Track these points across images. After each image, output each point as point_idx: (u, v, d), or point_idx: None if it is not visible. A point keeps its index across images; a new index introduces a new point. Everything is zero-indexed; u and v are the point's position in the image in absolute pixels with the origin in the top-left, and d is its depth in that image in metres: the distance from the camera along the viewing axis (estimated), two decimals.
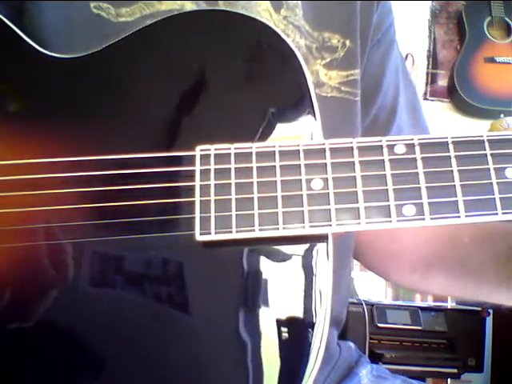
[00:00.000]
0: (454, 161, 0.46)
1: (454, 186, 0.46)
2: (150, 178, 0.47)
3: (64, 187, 0.47)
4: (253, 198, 0.46)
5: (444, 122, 2.43)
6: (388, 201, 0.46)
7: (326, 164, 0.47)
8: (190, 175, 0.47)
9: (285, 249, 0.47)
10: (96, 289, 0.46)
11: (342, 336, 0.79)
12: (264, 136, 0.50)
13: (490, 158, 0.46)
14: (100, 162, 0.48)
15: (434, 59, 2.56)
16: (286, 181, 0.46)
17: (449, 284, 0.71)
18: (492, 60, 2.44)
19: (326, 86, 0.68)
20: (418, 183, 0.46)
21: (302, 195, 0.46)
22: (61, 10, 0.59)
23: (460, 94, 2.41)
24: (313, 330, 0.44)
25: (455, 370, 1.90)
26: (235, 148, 0.47)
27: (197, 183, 0.47)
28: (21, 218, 0.47)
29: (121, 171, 0.47)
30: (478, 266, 0.66)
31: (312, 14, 0.69)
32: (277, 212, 0.46)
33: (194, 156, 0.47)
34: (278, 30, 0.52)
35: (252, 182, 0.46)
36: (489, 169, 0.46)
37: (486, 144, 0.46)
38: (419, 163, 0.46)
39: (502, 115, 2.27)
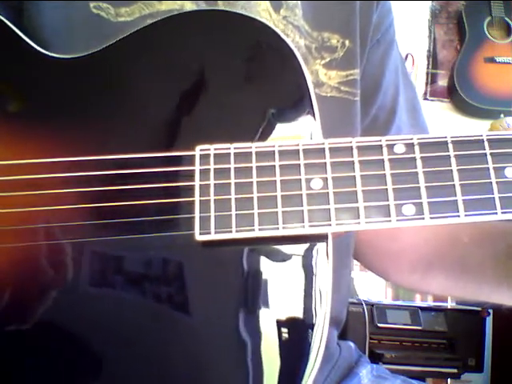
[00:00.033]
0: (453, 160, 0.46)
1: (454, 185, 0.46)
2: (149, 177, 0.47)
3: (64, 187, 0.47)
4: (252, 197, 0.46)
5: (444, 121, 2.43)
6: (387, 200, 0.46)
7: (325, 164, 0.47)
8: (190, 175, 0.47)
9: (285, 248, 0.47)
10: (96, 289, 0.46)
11: (342, 336, 0.78)
12: (263, 136, 0.50)
13: (489, 158, 0.46)
14: (100, 161, 0.48)
15: (434, 59, 2.56)
16: (286, 180, 0.46)
17: (449, 284, 0.71)
18: (492, 60, 2.44)
19: (325, 85, 0.68)
20: (418, 183, 0.46)
21: (301, 195, 0.46)
22: (60, 10, 0.59)
23: (460, 94, 2.41)
24: (313, 329, 0.45)
25: (455, 370, 1.90)
26: (235, 148, 0.47)
27: (196, 183, 0.47)
28: (21, 218, 0.47)
29: (121, 171, 0.48)
30: (477, 266, 0.66)
31: (311, 14, 0.69)
32: (276, 212, 0.46)
33: (194, 156, 0.47)
34: (278, 30, 0.52)
35: (252, 182, 0.46)
36: (488, 168, 0.46)
37: (486, 143, 0.46)
38: (419, 163, 0.46)
39: (501, 115, 2.27)
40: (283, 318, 0.45)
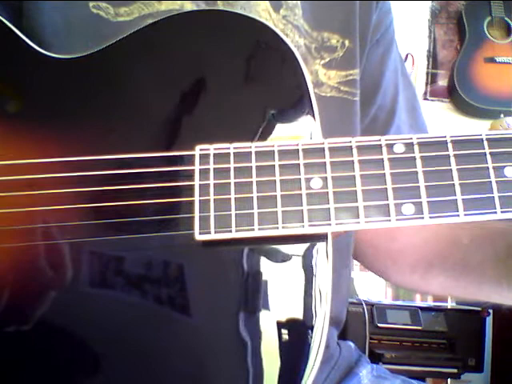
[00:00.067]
0: (452, 160, 0.46)
1: (453, 184, 0.46)
2: (149, 177, 0.47)
3: (63, 187, 0.47)
4: (252, 197, 0.46)
5: (444, 121, 2.43)
6: (387, 200, 0.46)
7: (325, 163, 0.47)
8: (190, 175, 0.47)
9: (284, 248, 0.47)
10: (95, 289, 0.46)
11: (342, 336, 0.79)
12: (263, 136, 0.50)
13: (488, 157, 0.46)
14: (100, 161, 0.48)
15: (434, 59, 2.56)
16: (286, 180, 0.46)
17: (449, 284, 0.71)
18: (492, 60, 2.44)
19: (325, 85, 0.68)
20: (417, 182, 0.46)
21: (301, 194, 0.46)
22: (59, 9, 0.59)
23: (460, 94, 2.41)
24: (312, 329, 0.44)
25: (455, 370, 1.89)
26: (234, 147, 0.47)
27: (196, 183, 0.47)
28: (20, 218, 0.47)
29: (120, 171, 0.48)
30: (478, 266, 0.66)
31: (311, 13, 0.69)
32: (276, 211, 0.46)
33: (194, 155, 0.47)
34: (278, 30, 0.52)
35: (251, 182, 0.46)
36: (488, 167, 0.46)
37: (485, 143, 0.46)
38: (418, 162, 0.46)
39: (502, 115, 2.27)
40: (283, 317, 0.45)
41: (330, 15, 0.70)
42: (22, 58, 0.53)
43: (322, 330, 0.45)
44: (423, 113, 0.83)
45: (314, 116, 0.50)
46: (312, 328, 0.45)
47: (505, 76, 2.41)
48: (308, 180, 0.46)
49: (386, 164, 0.47)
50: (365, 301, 1.92)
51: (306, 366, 0.43)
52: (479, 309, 1.96)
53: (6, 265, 0.47)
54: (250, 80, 0.52)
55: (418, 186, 0.46)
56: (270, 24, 0.53)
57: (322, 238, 0.47)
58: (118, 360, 0.45)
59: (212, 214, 0.46)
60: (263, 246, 0.46)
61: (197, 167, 0.47)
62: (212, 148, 0.47)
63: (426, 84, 2.53)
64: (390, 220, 0.45)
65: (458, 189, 0.45)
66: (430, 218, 0.45)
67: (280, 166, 0.47)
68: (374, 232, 0.75)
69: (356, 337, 1.78)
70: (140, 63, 0.53)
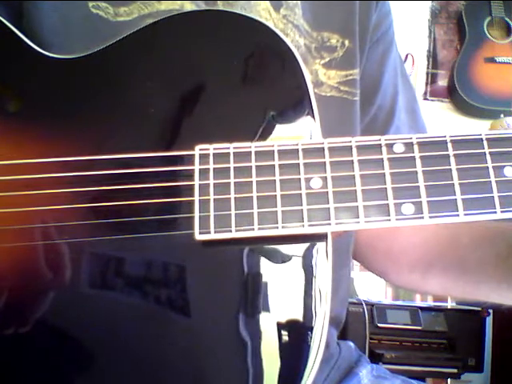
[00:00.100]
0: (452, 159, 0.46)
1: (453, 184, 0.46)
2: (149, 177, 0.47)
3: (63, 187, 0.47)
4: (252, 197, 0.46)
5: (444, 121, 2.43)
6: (387, 199, 0.46)
7: (324, 163, 0.47)
8: (189, 174, 0.47)
9: (284, 248, 0.47)
10: (94, 289, 0.46)
11: (342, 336, 0.79)
12: (263, 136, 0.50)
13: (488, 157, 0.46)
14: (99, 161, 0.48)
15: (434, 59, 2.56)
16: (285, 180, 0.46)
17: (448, 284, 0.71)
18: (492, 60, 2.44)
19: (325, 85, 0.68)
20: (417, 182, 0.46)
21: (301, 194, 0.46)
22: (59, 10, 0.59)
23: (460, 94, 2.41)
24: (312, 329, 0.44)
25: (455, 370, 1.89)
26: (234, 147, 0.47)
27: (196, 182, 0.47)
28: (19, 218, 0.47)
29: (120, 171, 0.48)
30: (477, 266, 0.66)
31: (311, 13, 0.69)
32: (276, 211, 0.46)
33: (193, 155, 0.47)
34: (277, 31, 0.52)
35: (251, 181, 0.46)
36: (487, 167, 0.46)
37: (485, 142, 0.46)
38: (418, 162, 0.46)
39: (502, 115, 2.27)
40: (283, 318, 0.45)
41: (330, 15, 0.71)
42: (22, 58, 0.53)
43: (321, 329, 0.45)
44: (422, 114, 0.83)
45: (313, 116, 0.50)
46: (312, 328, 0.45)
47: (505, 76, 2.41)
48: (308, 180, 0.46)
49: (386, 164, 0.47)
50: (365, 301, 1.92)
51: (305, 366, 0.43)
52: (479, 309, 1.96)
53: (4, 265, 0.47)
54: (250, 80, 0.52)
55: (418, 186, 0.46)
56: (270, 24, 0.53)
57: (322, 237, 0.47)
58: (117, 360, 0.45)
59: (212, 213, 0.46)
60: (263, 245, 0.46)
61: (197, 167, 0.47)
62: (212, 148, 0.47)
63: (426, 84, 2.53)
64: (389, 220, 0.45)
65: (457, 189, 0.45)
66: (430, 217, 0.45)
67: (280, 165, 0.47)
68: (372, 232, 0.75)
69: (356, 337, 1.78)
70: (140, 63, 0.53)
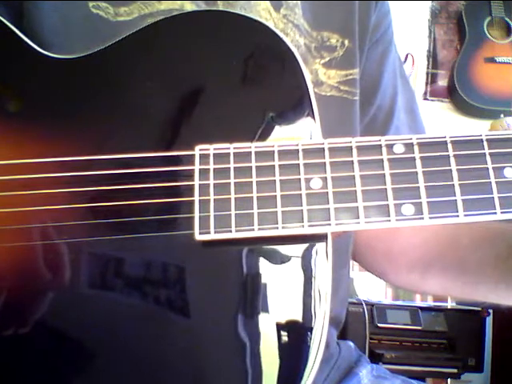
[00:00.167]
0: (452, 160, 0.46)
1: (453, 185, 0.46)
2: (149, 177, 0.47)
3: (61, 187, 0.47)
4: (252, 197, 0.46)
5: (444, 121, 2.43)
6: (387, 200, 0.46)
7: (324, 163, 0.47)
8: (190, 175, 0.47)
9: (284, 248, 0.47)
10: (94, 289, 0.46)
11: (342, 336, 0.79)
12: (263, 136, 0.50)
13: (488, 158, 0.46)
14: (99, 161, 0.48)
15: (434, 59, 2.56)
16: (285, 180, 0.46)
17: (447, 284, 0.71)
18: (492, 60, 2.44)
19: (325, 85, 0.68)
20: (417, 182, 0.46)
21: (301, 194, 0.46)
22: (59, 10, 0.59)
23: (460, 94, 2.41)
24: (312, 329, 0.44)
25: (455, 370, 1.89)
26: (234, 148, 0.47)
27: (196, 183, 0.47)
28: (17, 218, 0.47)
29: (120, 171, 0.48)
30: (476, 266, 0.66)
31: (311, 13, 0.69)
32: (276, 211, 0.46)
33: (194, 155, 0.47)
34: (277, 31, 0.52)
35: (251, 182, 0.46)
36: (487, 168, 0.46)
37: (485, 143, 0.46)
38: (418, 163, 0.46)
39: (502, 115, 2.27)
40: (283, 318, 0.45)
41: (330, 15, 0.71)
42: (23, 58, 0.53)
43: (321, 330, 0.45)
44: (422, 114, 0.83)
45: (314, 117, 0.50)
46: (312, 328, 0.45)
47: (505, 76, 2.41)
48: (308, 180, 0.46)
49: (386, 164, 0.47)
50: (365, 301, 1.92)
51: (305, 366, 0.43)
52: (479, 309, 1.95)
53: (2, 265, 0.47)
54: (250, 81, 0.52)
55: (418, 187, 0.46)
56: (270, 24, 0.53)
57: (322, 238, 0.47)
58: (117, 361, 0.45)
59: (212, 214, 0.46)
60: (263, 246, 0.46)
61: (197, 167, 0.47)
62: (212, 148, 0.47)
63: (426, 84, 2.53)
64: (389, 220, 0.45)
65: (457, 189, 0.45)
66: (430, 218, 0.45)
67: (280, 166, 0.47)
68: (372, 232, 0.75)
69: (356, 337, 1.78)
70: (140, 63, 0.53)
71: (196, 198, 0.46)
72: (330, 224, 0.45)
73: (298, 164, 0.47)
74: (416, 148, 0.47)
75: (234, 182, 0.46)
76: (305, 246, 0.47)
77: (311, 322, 0.45)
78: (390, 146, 0.47)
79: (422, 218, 0.45)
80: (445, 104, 2.51)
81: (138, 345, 0.45)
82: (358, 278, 2.09)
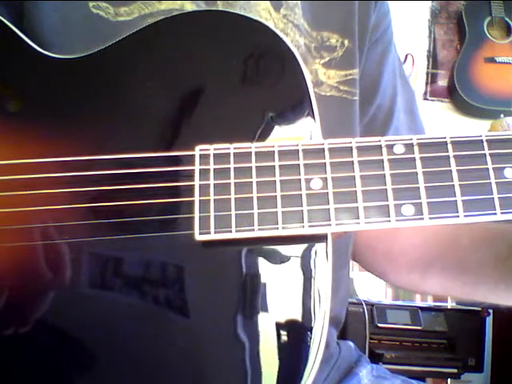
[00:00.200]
0: (452, 161, 0.46)
1: (453, 185, 0.46)
2: (149, 177, 0.47)
3: (61, 187, 0.47)
4: (252, 197, 0.46)
5: (444, 121, 2.43)
6: (387, 200, 0.46)
7: (325, 164, 0.47)
8: (190, 175, 0.47)
9: (284, 249, 0.47)
10: (95, 289, 0.46)
11: (342, 336, 0.79)
12: (263, 136, 0.50)
13: (488, 158, 0.46)
14: (99, 161, 0.48)
15: (434, 59, 2.56)
16: (286, 180, 0.46)
17: (447, 284, 0.71)
18: (492, 60, 2.44)
19: (324, 85, 0.68)
20: (417, 183, 0.46)
21: (301, 195, 0.46)
22: (59, 10, 0.59)
23: (460, 94, 2.41)
24: (312, 329, 0.44)
25: (455, 370, 1.89)
26: (234, 148, 0.47)
27: (196, 183, 0.47)
28: (18, 218, 0.47)
29: (120, 171, 0.48)
30: (476, 266, 0.66)
31: (311, 13, 0.69)
32: (276, 212, 0.46)
33: (194, 156, 0.47)
34: (277, 31, 0.52)
35: (251, 182, 0.46)
36: (487, 169, 0.46)
37: (485, 144, 0.46)
38: (418, 163, 0.46)
39: (502, 115, 2.27)
40: (282, 318, 0.45)
41: (330, 15, 0.71)
42: (23, 58, 0.53)
43: (321, 330, 0.45)
44: (421, 115, 0.83)
45: (314, 117, 0.50)
46: (311, 328, 0.45)
47: (505, 76, 2.41)
48: (308, 180, 0.46)
49: (386, 165, 0.47)
50: (365, 301, 1.92)
51: (305, 366, 0.43)
52: (479, 309, 1.95)
53: (3, 264, 0.47)
54: (250, 81, 0.52)
55: (418, 187, 0.46)
56: (270, 24, 0.53)
57: (322, 238, 0.47)
58: (117, 360, 0.45)
59: (212, 214, 0.46)
60: (263, 246, 0.46)
61: (197, 167, 0.47)
62: (212, 148, 0.47)
63: (426, 84, 2.53)
64: (389, 221, 0.45)
65: (457, 190, 0.45)
66: (430, 218, 0.45)
67: (280, 166, 0.47)
68: (372, 233, 0.75)
69: (356, 337, 1.78)
70: (140, 63, 0.53)
71: (196, 198, 0.46)
72: (330, 224, 0.45)
73: (298, 164, 0.47)
74: (416, 148, 0.47)
75: (234, 183, 0.46)
76: (305, 246, 0.47)
77: (311, 321, 0.45)
78: (390, 147, 0.47)
79: (422, 219, 0.45)
80: (445, 104, 2.51)
81: (139, 344, 0.45)
82: (358, 278, 2.09)
